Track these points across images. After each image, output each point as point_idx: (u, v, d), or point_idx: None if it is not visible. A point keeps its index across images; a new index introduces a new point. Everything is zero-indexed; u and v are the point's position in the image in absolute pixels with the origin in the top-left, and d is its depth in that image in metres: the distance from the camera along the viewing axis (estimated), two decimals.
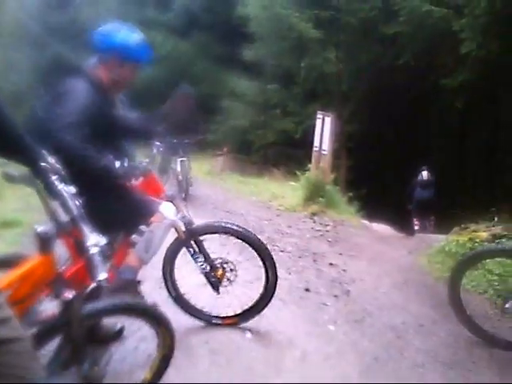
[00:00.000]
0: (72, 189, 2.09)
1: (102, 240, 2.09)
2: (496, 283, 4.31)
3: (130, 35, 3.00)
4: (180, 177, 7.93)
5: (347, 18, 13.44)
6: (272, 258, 3.50)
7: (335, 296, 4.37)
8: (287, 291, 4.28)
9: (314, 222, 7.02)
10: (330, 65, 13.54)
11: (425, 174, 11.93)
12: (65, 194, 2.03)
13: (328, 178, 7.86)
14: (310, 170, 8.11)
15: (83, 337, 1.96)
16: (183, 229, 3.28)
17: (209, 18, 17.19)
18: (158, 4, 18.79)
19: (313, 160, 8.18)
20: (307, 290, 4.47)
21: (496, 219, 5.98)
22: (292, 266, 5.13)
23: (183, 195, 7.53)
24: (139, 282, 3.10)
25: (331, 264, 5.29)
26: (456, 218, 7.17)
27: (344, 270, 5.11)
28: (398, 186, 12.49)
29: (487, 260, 4.22)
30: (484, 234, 5.49)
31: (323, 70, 13.48)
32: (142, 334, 2.79)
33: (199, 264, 3.37)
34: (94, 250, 2.02)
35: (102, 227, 2.58)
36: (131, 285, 3.06)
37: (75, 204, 2.05)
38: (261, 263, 3.47)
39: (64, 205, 2.06)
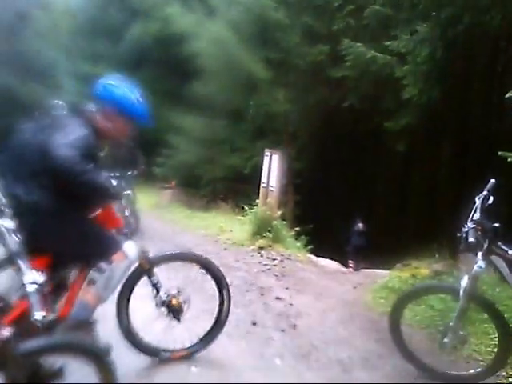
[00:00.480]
0: (11, 224, 2.04)
1: (40, 277, 2.04)
2: (437, 318, 4.43)
3: (130, 91, 3.14)
4: (126, 211, 7.76)
5: (296, 61, 13.88)
6: (228, 288, 3.58)
7: (282, 330, 4.36)
8: (234, 325, 4.24)
9: (262, 256, 7.03)
10: (278, 104, 13.84)
11: (360, 225, 13.67)
12: (3, 229, 1.98)
13: (275, 213, 7.94)
14: (257, 205, 8.18)
15: (22, 376, 1.89)
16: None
17: (159, 53, 17.32)
18: (108, 37, 18.78)
19: (260, 196, 8.28)
20: (254, 323, 4.45)
21: (437, 256, 6.21)
22: (239, 299, 5.08)
23: (131, 229, 7.36)
24: (93, 321, 3.02)
25: (278, 298, 5.30)
26: (400, 253, 7.36)
27: (291, 304, 5.11)
28: (342, 221, 12.83)
29: (427, 296, 4.36)
30: (425, 271, 5.68)
31: (271, 109, 13.78)
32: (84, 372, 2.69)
33: (161, 293, 3.33)
34: (30, 288, 1.97)
35: (62, 256, 2.53)
36: (86, 324, 2.98)
37: (14, 240, 2.00)
38: (216, 292, 3.54)
39: (3, 240, 2.01)
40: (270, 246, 7.35)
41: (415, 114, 11.18)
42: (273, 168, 8.17)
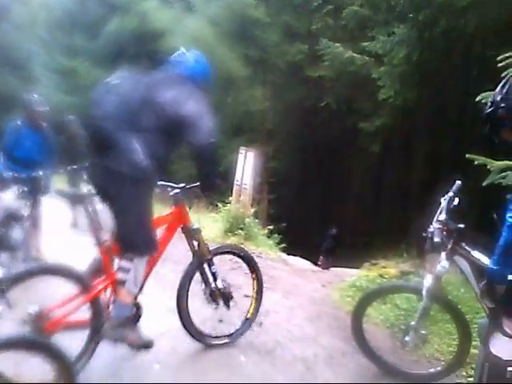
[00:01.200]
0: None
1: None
2: (402, 318, 4.46)
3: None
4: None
5: (275, 59, 13.91)
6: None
7: None
8: (201, 322, 4.22)
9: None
10: (256, 102, 13.84)
11: (333, 231, 13.57)
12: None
13: (248, 211, 7.92)
14: (231, 202, 8.15)
15: None
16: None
17: (136, 49, 17.12)
18: (86, 31, 18.53)
19: (234, 193, 8.25)
20: (221, 321, 4.43)
21: (405, 255, 6.27)
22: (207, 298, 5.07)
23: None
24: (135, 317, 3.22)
25: (246, 296, 5.28)
26: (370, 251, 7.41)
27: None
28: (316, 221, 12.87)
29: (391, 295, 4.40)
30: (393, 271, 5.72)
31: (249, 107, 13.77)
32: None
33: (218, 281, 3.74)
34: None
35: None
36: (128, 321, 3.15)
37: None
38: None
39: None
40: (242, 244, 7.31)
41: (390, 115, 11.30)
42: (247, 166, 8.16)
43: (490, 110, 2.45)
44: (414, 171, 12.86)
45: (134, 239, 3.10)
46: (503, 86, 2.42)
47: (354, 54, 11.57)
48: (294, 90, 13.87)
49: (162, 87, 3.08)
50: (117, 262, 3.19)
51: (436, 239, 2.94)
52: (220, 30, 14.11)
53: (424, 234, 3.07)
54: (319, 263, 12.17)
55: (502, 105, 2.37)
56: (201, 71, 3.44)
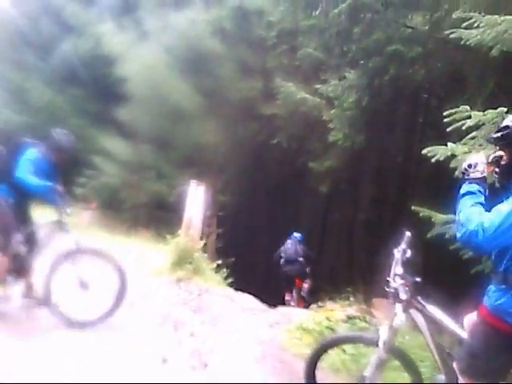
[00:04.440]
0: None
1: None
2: (349, 363, 4.47)
3: None
4: None
5: (228, 93, 14.00)
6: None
7: (192, 367, 4.25)
8: (143, 361, 4.09)
9: (180, 288, 6.85)
10: (208, 135, 13.79)
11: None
12: None
13: (197, 244, 7.82)
14: (179, 235, 8.02)
15: None
16: None
17: (88, 72, 16.84)
18: (39, 50, 18.09)
19: (183, 226, 8.14)
20: (164, 360, 4.30)
21: (351, 299, 6.33)
22: (151, 333, 4.93)
23: None
24: None
25: (192, 334, 5.17)
26: (317, 292, 7.43)
27: (204, 341, 5.00)
28: (264, 255, 12.82)
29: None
30: (339, 314, 5.77)
31: (200, 140, 13.71)
32: None
33: None
34: None
35: None
36: None
37: None
38: None
39: None
40: (189, 279, 7.18)
41: (339, 156, 11.55)
42: (197, 199, 8.12)
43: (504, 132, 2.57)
44: (360, 212, 13.16)
45: None
46: None
47: (307, 95, 11.78)
48: (246, 125, 13.98)
49: None
50: None
51: (402, 296, 2.96)
52: (174, 60, 14.03)
53: (386, 289, 3.07)
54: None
55: None
56: None
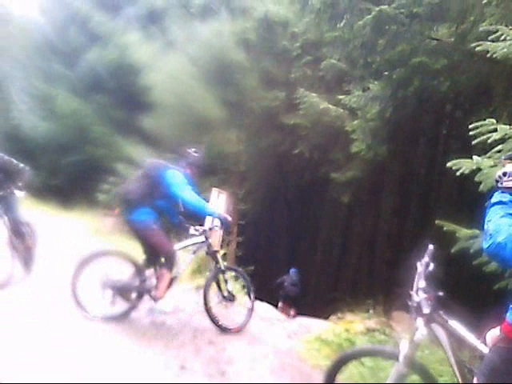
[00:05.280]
0: None
1: None
2: (367, 376, 4.42)
3: None
4: None
5: (251, 104, 14.07)
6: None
7: (210, 376, 4.25)
8: (162, 368, 4.10)
9: (199, 295, 6.86)
10: (231, 145, 13.89)
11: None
12: None
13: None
14: None
15: None
16: None
17: (114, 81, 17.12)
18: (65, 59, 18.45)
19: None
20: (182, 367, 4.31)
21: (371, 311, 6.27)
22: (170, 341, 4.95)
23: None
24: None
25: (211, 342, 5.17)
26: (336, 303, 7.38)
27: (223, 349, 5.00)
28: (285, 264, 12.80)
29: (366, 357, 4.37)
30: (359, 326, 5.71)
31: (223, 149, 13.80)
32: None
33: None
34: None
35: None
36: None
37: None
38: None
39: None
40: None
41: (361, 167, 11.50)
42: (218, 207, 8.14)
43: None
44: (381, 224, 13.05)
45: None
46: None
47: (330, 106, 11.81)
48: (268, 135, 14.03)
49: None
50: None
51: (425, 310, 2.90)
52: (199, 70, 14.17)
53: (409, 303, 3.02)
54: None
55: None
56: None
